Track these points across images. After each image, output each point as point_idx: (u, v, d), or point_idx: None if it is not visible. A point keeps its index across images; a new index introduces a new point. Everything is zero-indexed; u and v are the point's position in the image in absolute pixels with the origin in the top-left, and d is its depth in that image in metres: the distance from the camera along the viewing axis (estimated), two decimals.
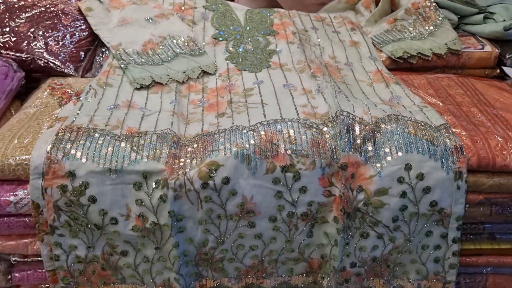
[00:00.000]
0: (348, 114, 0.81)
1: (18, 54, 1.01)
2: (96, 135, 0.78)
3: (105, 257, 0.80)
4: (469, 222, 0.84)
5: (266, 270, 0.84)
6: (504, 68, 1.07)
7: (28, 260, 0.82)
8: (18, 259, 0.82)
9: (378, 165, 0.77)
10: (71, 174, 0.73)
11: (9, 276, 0.85)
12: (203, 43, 1.12)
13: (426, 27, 1.13)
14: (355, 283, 0.85)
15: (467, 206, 0.80)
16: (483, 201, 0.80)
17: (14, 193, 0.75)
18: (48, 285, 0.85)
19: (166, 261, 0.80)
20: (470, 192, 0.79)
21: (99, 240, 0.79)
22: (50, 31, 1.08)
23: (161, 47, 1.07)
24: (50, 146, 0.75)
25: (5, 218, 0.78)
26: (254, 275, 0.85)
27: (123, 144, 0.77)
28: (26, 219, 0.78)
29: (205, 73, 1.03)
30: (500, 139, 0.81)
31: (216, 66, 1.05)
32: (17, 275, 0.84)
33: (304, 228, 0.80)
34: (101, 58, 1.10)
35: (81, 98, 0.88)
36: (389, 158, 0.77)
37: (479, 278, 0.89)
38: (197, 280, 0.84)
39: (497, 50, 1.09)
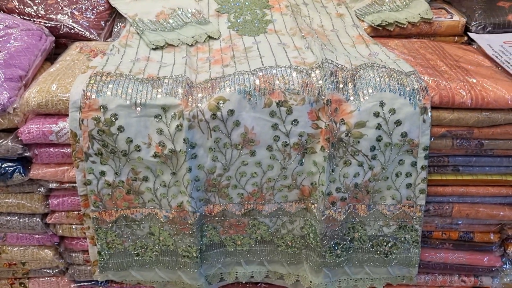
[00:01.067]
0: (332, 62, 0.97)
1: (48, 22, 1.17)
2: (123, 78, 0.94)
3: (129, 182, 0.96)
4: (435, 154, 0.99)
5: (264, 197, 1.00)
6: (470, 34, 1.23)
7: (64, 186, 0.98)
8: (55, 186, 0.97)
9: (357, 102, 0.93)
10: (103, 108, 0.89)
11: (47, 202, 1.00)
12: (208, 15, 1.28)
13: (402, 1, 1.30)
14: (341, 207, 1.00)
15: (432, 138, 0.96)
16: (445, 134, 0.96)
17: (56, 124, 0.90)
18: (79, 211, 1.00)
19: (180, 186, 0.95)
20: (434, 125, 0.95)
21: (124, 167, 0.94)
22: (74, 5, 1.24)
23: (172, 17, 1.23)
24: (85, 85, 0.90)
25: (47, 148, 0.93)
26: (254, 202, 1.00)
27: (145, 84, 0.92)
28: (64, 149, 0.93)
29: (210, 38, 1.19)
30: (459, 82, 0.97)
31: (220, 33, 1.21)
32: (54, 201, 0.99)
33: (296, 156, 0.96)
34: (119, 28, 1.26)
35: (107, 53, 1.04)
36: (366, 97, 0.93)
37: (446, 206, 1.04)
38: (205, 205, 1.00)
39: (463, 19, 1.26)
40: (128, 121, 0.90)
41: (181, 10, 1.25)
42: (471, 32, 1.25)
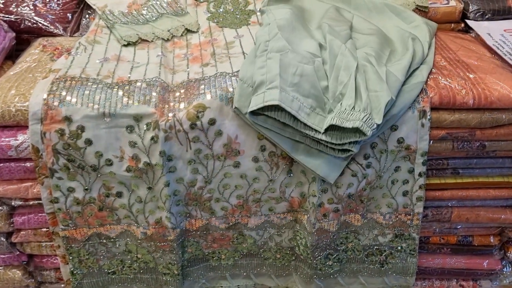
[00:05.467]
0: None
1: (7, 16, 1.06)
2: (89, 83, 0.84)
3: (101, 198, 0.87)
4: (434, 157, 0.92)
5: (250, 209, 0.92)
6: (467, 21, 1.15)
7: (29, 203, 0.88)
8: (19, 203, 0.88)
9: None
10: (68, 119, 0.79)
11: (11, 220, 0.91)
12: (185, 5, 1.18)
13: None
14: (333, 218, 0.92)
15: (431, 141, 0.88)
16: (445, 136, 0.89)
17: (15, 138, 0.81)
18: (47, 228, 0.92)
19: (158, 201, 0.86)
20: (433, 128, 0.88)
21: (95, 182, 0.85)
22: None
23: (145, 8, 1.12)
24: (47, 93, 0.80)
25: (7, 163, 0.84)
26: (239, 215, 0.92)
27: (115, 90, 0.83)
28: (26, 163, 0.84)
29: (188, 31, 1.09)
30: (460, 80, 0.89)
31: (199, 25, 1.10)
32: (19, 219, 0.90)
33: (285, 166, 0.87)
34: (87, 20, 1.15)
35: (72, 53, 0.94)
36: None
37: (445, 211, 0.98)
38: (186, 219, 0.91)
39: (461, 5, 1.17)
40: (97, 133, 0.81)
41: (155, 0, 1.15)
42: (469, 19, 1.16)
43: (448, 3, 1.18)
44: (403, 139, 0.86)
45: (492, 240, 1.03)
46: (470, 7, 1.16)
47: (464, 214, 0.98)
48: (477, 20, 1.16)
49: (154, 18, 1.10)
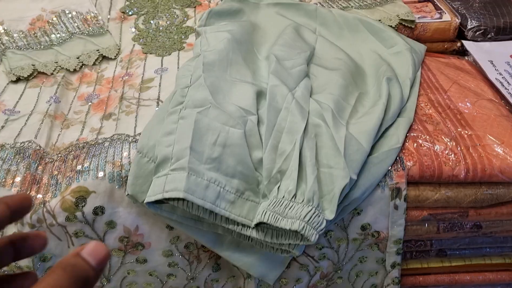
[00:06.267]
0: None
1: None
2: None
3: None
4: (413, 240, 0.70)
5: None
6: (465, 42, 0.90)
7: None
8: None
9: None
10: None
11: None
12: (108, 18, 0.93)
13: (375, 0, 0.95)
14: None
15: (408, 223, 0.66)
16: (428, 218, 0.66)
17: None
18: None
19: None
20: (411, 208, 0.65)
21: None
22: None
23: (52, 25, 0.88)
24: None
25: None
26: None
27: None
28: None
29: (104, 57, 0.84)
30: (449, 142, 0.65)
31: (119, 49, 0.86)
32: None
33: (209, 260, 0.65)
34: None
35: None
36: None
37: None
38: None
39: (457, 20, 0.92)
40: None
41: (68, 13, 0.90)
42: (467, 38, 0.92)
43: (441, 17, 0.93)
44: (369, 225, 0.63)
45: None
46: (469, 23, 0.91)
47: None
48: (477, 40, 0.91)
49: (61, 41, 0.85)
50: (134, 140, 0.62)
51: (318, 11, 0.88)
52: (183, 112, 0.60)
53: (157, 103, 0.69)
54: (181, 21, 0.91)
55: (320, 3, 0.96)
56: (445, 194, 0.64)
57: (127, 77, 0.77)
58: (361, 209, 0.62)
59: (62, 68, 0.81)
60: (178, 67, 0.77)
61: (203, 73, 0.65)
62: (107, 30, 0.89)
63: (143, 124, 0.64)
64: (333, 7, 0.94)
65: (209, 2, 0.96)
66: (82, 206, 0.57)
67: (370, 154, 0.61)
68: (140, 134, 0.62)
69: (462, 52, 0.94)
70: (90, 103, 0.74)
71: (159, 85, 0.73)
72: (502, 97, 0.78)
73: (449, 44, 0.95)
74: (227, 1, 0.85)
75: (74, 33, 0.87)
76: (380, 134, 0.64)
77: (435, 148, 0.64)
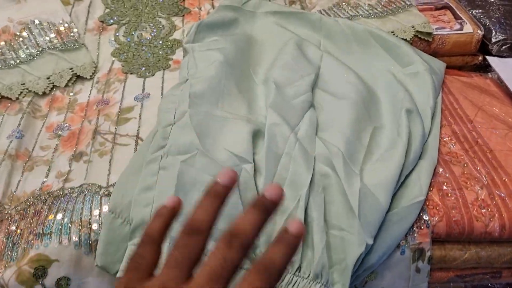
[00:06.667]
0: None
1: None
2: None
3: None
4: None
5: None
6: (489, 58, 0.80)
7: None
8: None
9: None
10: None
11: None
12: (85, 29, 0.82)
13: (388, 3, 0.84)
14: None
15: (430, 285, 0.56)
16: (455, 279, 0.56)
17: None
18: None
19: None
20: (436, 269, 0.55)
21: None
22: None
23: (20, 39, 0.77)
24: None
25: None
26: None
27: None
28: None
29: (78, 77, 0.74)
30: (480, 190, 0.55)
31: (96, 67, 0.75)
32: None
33: None
34: None
35: None
36: None
37: None
38: None
39: (479, 32, 0.81)
40: None
41: (39, 23, 0.79)
42: (491, 53, 0.81)
43: (461, 28, 0.82)
44: None
45: None
46: (493, 35, 0.81)
47: None
48: (503, 56, 0.81)
49: (30, 57, 0.74)
50: (106, 193, 0.52)
51: (323, 22, 0.77)
52: (164, 160, 0.50)
53: (136, 141, 0.59)
54: (167, 33, 0.80)
55: (324, 11, 0.85)
56: (476, 254, 0.54)
57: (102, 106, 0.66)
58: (377, 273, 0.52)
59: (30, 91, 0.70)
60: (162, 93, 0.67)
61: (189, 109, 0.55)
62: (82, 44, 0.77)
63: (118, 171, 0.54)
64: (339, 16, 0.83)
65: (200, 9, 0.85)
66: (43, 279, 0.47)
67: (388, 209, 0.51)
68: (113, 185, 0.52)
69: (484, 67, 0.84)
70: (59, 136, 0.63)
71: (139, 117, 0.63)
72: None
73: (469, 58, 0.84)
74: (219, 10, 0.74)
75: (45, 48, 0.75)
76: (401, 182, 0.54)
77: (465, 199, 0.54)
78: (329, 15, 0.84)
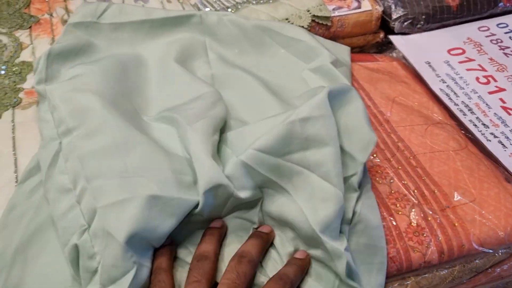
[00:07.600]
0: None
1: None
2: None
3: None
4: None
5: None
6: (391, 37, 0.73)
7: None
8: None
9: None
10: None
11: None
12: None
13: None
14: None
15: None
16: None
17: None
18: None
19: None
20: None
21: None
22: None
23: None
24: None
25: None
26: None
27: None
28: None
29: None
30: (411, 212, 0.49)
31: None
32: None
33: None
34: None
35: None
36: None
37: None
38: None
39: (378, 8, 0.74)
40: None
41: None
42: (393, 30, 0.75)
43: (359, 6, 0.74)
44: None
45: None
46: (393, 12, 0.74)
47: None
48: (405, 33, 0.74)
49: None
50: None
51: (205, 24, 0.64)
52: None
53: None
54: (12, 55, 0.63)
55: (207, 1, 0.72)
56: (417, 284, 0.48)
57: None
58: None
59: None
60: (13, 150, 0.51)
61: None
62: None
63: None
64: (224, 5, 0.71)
65: (51, 15, 0.68)
66: None
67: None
68: None
69: (386, 43, 0.78)
70: None
71: None
72: (451, 114, 0.62)
73: (371, 37, 0.77)
74: (69, 31, 0.58)
75: None
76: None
77: (397, 228, 0.47)
78: (213, 6, 0.71)
